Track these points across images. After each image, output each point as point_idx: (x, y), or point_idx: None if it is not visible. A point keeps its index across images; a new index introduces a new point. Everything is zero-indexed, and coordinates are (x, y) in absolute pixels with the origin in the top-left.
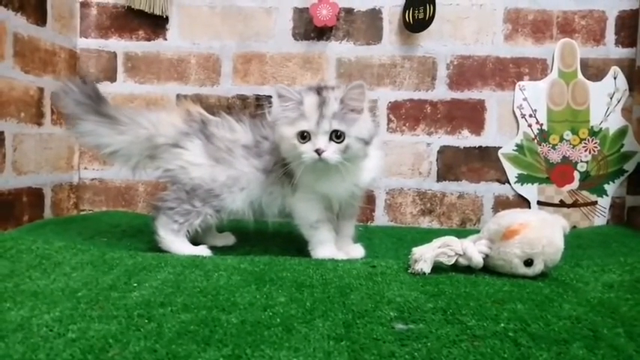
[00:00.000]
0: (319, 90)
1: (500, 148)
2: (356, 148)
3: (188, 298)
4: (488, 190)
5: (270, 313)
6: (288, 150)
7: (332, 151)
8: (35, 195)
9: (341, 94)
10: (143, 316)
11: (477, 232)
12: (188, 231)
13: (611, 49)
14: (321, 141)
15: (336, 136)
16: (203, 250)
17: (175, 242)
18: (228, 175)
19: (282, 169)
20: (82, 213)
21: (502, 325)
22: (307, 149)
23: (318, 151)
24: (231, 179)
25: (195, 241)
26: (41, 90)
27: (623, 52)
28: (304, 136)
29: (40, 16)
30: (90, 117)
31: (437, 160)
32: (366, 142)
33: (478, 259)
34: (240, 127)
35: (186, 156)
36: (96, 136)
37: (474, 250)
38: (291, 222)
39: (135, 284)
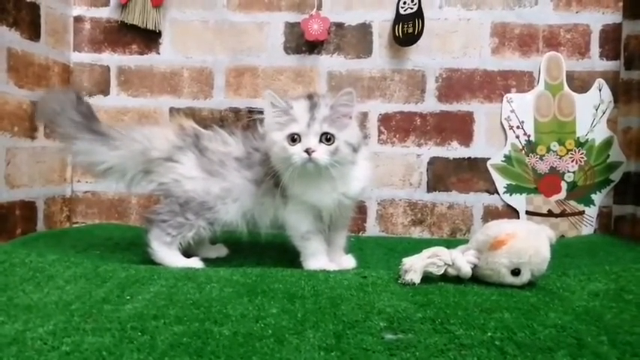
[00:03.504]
0: (310, 96)
1: (488, 159)
2: (345, 153)
3: (181, 311)
4: (477, 201)
5: (262, 325)
6: (278, 154)
7: (322, 152)
8: (28, 208)
9: (331, 101)
10: (136, 329)
11: (467, 242)
12: (180, 243)
13: (595, 61)
14: (312, 141)
15: (326, 138)
16: (195, 262)
17: (168, 255)
18: (221, 188)
19: (272, 180)
20: (75, 226)
21: (489, 334)
22: (297, 150)
23: (308, 151)
24: (224, 191)
25: (187, 253)
26: (35, 104)
27: (607, 65)
28: (294, 139)
29: (33, 32)
30: (84, 135)
31: (427, 171)
32: (354, 149)
33: (467, 269)
34: (233, 140)
35: (179, 169)
36: (90, 155)
37: (462, 260)
38: (283, 233)
39: (128, 297)
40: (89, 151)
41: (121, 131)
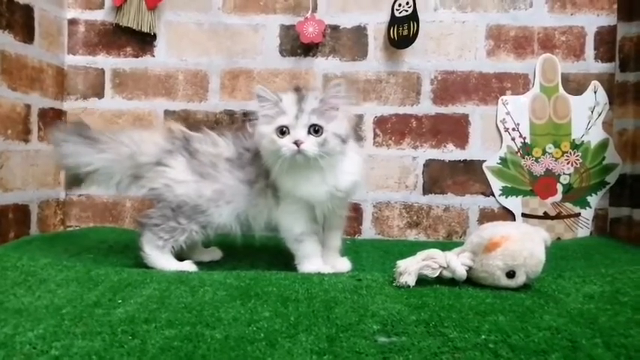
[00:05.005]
0: (297, 89)
1: (484, 161)
2: (333, 144)
3: (172, 314)
4: (473, 203)
5: (255, 328)
6: (267, 147)
7: (310, 143)
8: (21, 211)
9: (320, 93)
10: (127, 333)
11: (463, 244)
12: (173, 247)
13: (590, 64)
14: (300, 133)
15: (315, 130)
16: (189, 266)
17: (160, 258)
18: (213, 190)
19: (264, 180)
20: (68, 229)
21: (483, 336)
22: (286, 142)
23: (296, 143)
24: (217, 193)
25: (181, 256)
26: (28, 107)
27: (602, 67)
28: (283, 132)
29: (27, 34)
30: (72, 138)
31: (423, 174)
32: (343, 140)
33: (461, 272)
34: (223, 141)
35: (170, 174)
36: (77, 156)
37: (457, 262)
38: (277, 236)
39: (120, 300)
40: (76, 152)
41: (110, 135)
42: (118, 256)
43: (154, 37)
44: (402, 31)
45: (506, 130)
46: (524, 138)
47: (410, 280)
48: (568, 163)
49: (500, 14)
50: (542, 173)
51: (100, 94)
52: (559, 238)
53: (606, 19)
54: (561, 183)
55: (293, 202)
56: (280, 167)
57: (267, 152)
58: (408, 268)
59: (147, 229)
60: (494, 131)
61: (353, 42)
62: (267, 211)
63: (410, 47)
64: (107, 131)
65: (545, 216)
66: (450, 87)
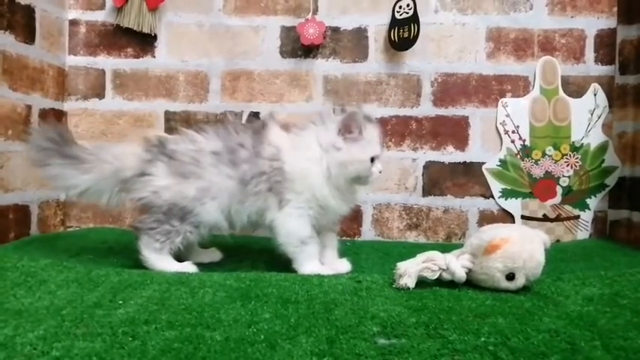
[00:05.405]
0: (369, 117)
1: (484, 163)
2: None
3: (173, 316)
4: (473, 205)
5: (255, 330)
6: (357, 170)
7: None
8: (22, 212)
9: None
10: (127, 334)
11: (463, 246)
12: (171, 248)
13: (590, 66)
14: (381, 163)
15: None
16: (188, 267)
17: (159, 260)
18: (196, 188)
19: (265, 183)
20: (68, 230)
21: (483, 339)
22: (375, 170)
23: (380, 171)
24: (201, 191)
25: (180, 258)
26: (29, 107)
27: (602, 70)
28: (372, 160)
29: (28, 35)
30: (55, 161)
31: (422, 176)
32: None
33: (461, 274)
34: (202, 137)
35: (154, 181)
36: (63, 179)
37: (457, 264)
38: (260, 235)
39: (120, 302)
40: (61, 175)
41: (92, 152)
42: (118, 256)
43: (154, 38)
44: (403, 33)
45: (506, 132)
46: (524, 140)
47: (410, 282)
48: (568, 166)
49: (501, 16)
50: (542, 175)
51: (100, 95)
52: (558, 241)
53: (606, 21)
54: (561, 185)
55: (308, 207)
56: (338, 184)
57: (349, 173)
58: (408, 270)
59: (143, 233)
60: (494, 133)
61: (353, 44)
62: (256, 209)
63: (410, 49)
64: (89, 147)
65: (545, 218)
66: (450, 89)
